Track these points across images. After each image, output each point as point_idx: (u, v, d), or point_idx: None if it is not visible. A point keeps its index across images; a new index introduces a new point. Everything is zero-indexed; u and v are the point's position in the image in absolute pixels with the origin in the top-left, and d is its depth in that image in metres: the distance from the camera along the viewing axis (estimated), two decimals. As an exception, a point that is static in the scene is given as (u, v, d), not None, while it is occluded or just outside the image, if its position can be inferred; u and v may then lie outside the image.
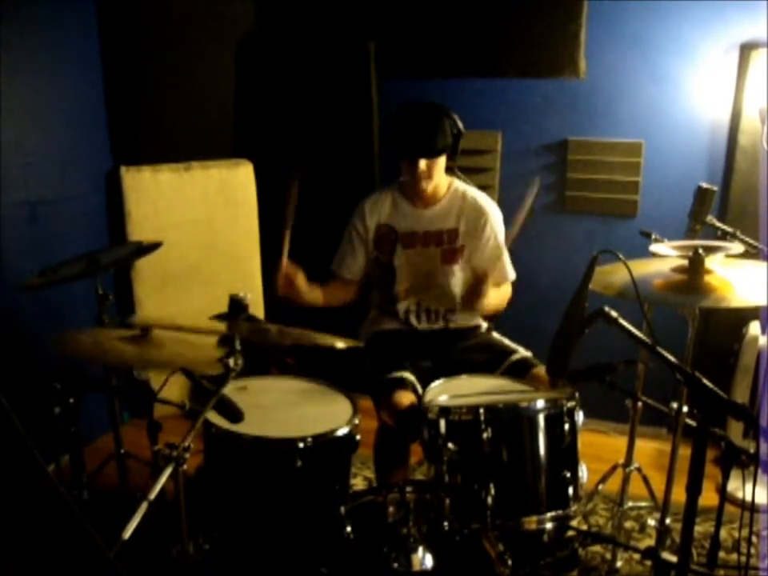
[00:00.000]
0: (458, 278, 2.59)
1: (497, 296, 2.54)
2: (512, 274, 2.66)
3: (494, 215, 2.60)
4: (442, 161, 2.46)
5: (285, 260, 2.38)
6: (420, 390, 2.34)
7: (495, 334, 2.68)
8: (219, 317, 1.86)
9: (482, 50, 3.39)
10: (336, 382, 2.29)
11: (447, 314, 2.63)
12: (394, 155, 2.53)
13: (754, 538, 2.30)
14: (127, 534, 1.37)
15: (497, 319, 2.73)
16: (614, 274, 1.95)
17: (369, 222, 2.59)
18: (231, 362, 1.72)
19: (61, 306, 2.89)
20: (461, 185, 2.62)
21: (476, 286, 2.36)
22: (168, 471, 1.51)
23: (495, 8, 3.31)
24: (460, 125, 2.47)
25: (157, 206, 3.37)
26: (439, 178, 2.50)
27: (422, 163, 2.41)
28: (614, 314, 1.60)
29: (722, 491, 1.53)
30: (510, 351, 2.52)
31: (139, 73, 3.33)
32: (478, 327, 2.70)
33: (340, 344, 1.90)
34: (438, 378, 2.26)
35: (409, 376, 2.40)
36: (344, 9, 3.52)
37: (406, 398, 2.30)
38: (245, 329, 1.81)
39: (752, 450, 1.51)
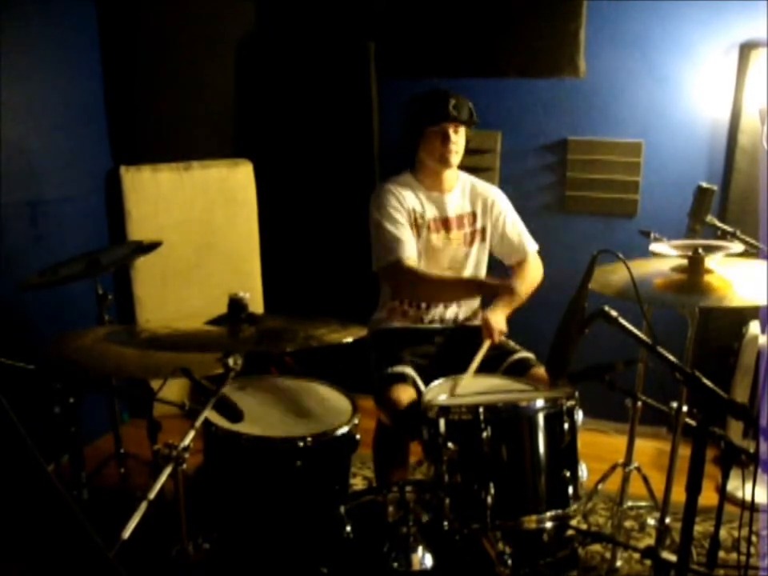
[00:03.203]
0: (472, 259, 2.63)
1: (528, 280, 2.62)
2: (533, 245, 2.70)
3: (500, 194, 2.69)
4: (464, 136, 2.50)
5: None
6: (421, 386, 2.34)
7: None
8: (214, 321, 1.85)
9: (481, 50, 3.39)
10: (336, 381, 2.29)
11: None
12: (413, 141, 2.52)
13: (753, 538, 2.31)
14: (127, 533, 1.37)
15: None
16: (613, 274, 1.95)
17: (403, 204, 2.53)
18: (231, 361, 1.72)
19: (61, 305, 2.89)
20: (464, 174, 2.67)
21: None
22: (168, 471, 1.51)
23: (495, 8, 3.31)
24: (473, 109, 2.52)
25: (156, 206, 3.37)
26: (462, 155, 2.53)
27: (453, 132, 2.44)
28: (613, 313, 1.60)
29: (721, 491, 1.53)
30: (512, 351, 2.52)
31: (139, 73, 3.33)
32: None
33: (348, 339, 1.87)
34: (440, 375, 2.26)
35: (409, 371, 2.40)
36: (344, 9, 3.52)
37: (404, 393, 2.29)
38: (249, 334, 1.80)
39: (752, 450, 1.51)
